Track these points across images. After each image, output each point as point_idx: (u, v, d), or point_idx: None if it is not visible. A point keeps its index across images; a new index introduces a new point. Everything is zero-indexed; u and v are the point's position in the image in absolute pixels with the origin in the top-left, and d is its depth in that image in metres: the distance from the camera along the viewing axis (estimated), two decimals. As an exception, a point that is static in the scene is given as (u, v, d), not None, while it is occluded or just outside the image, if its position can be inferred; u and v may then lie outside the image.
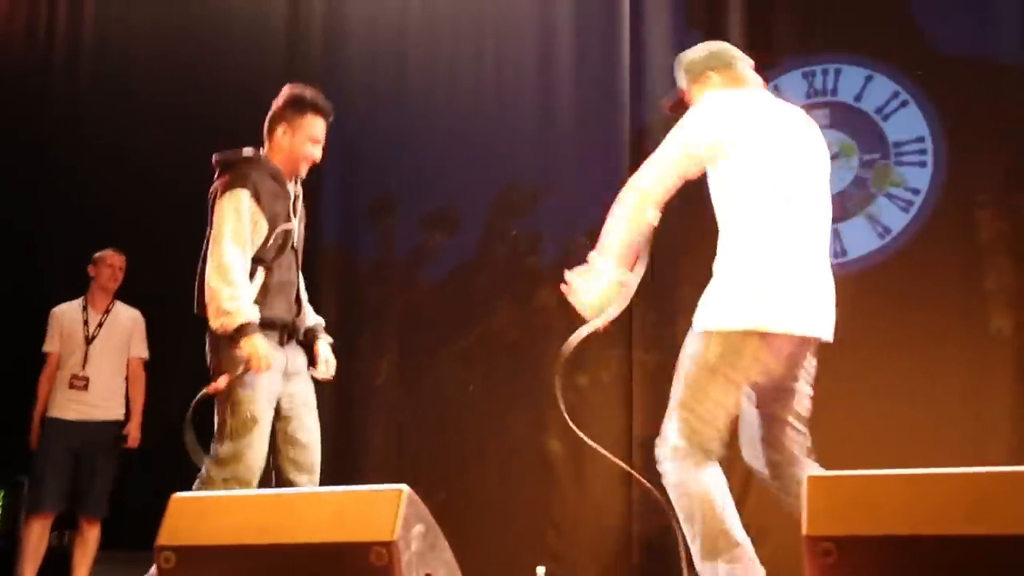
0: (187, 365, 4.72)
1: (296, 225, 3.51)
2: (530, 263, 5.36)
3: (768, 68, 5.08)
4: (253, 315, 3.33)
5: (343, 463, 5.33)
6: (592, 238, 5.28)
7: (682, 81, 3.22)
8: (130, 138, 5.91)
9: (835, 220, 4.82)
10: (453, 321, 5.41)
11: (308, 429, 3.51)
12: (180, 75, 5.87)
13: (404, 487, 2.37)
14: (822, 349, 3.40)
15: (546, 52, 5.48)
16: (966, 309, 4.64)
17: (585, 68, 5.40)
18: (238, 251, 3.34)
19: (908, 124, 4.89)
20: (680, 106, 3.22)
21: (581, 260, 5.16)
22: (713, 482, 2.88)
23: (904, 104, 4.91)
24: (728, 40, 5.07)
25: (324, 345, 3.63)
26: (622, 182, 5.08)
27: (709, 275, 4.90)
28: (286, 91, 3.59)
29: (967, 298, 4.65)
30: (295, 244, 3.51)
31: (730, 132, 2.93)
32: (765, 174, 2.91)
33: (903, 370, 4.65)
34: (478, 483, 5.21)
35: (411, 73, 5.72)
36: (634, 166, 5.13)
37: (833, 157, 4.80)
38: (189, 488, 3.27)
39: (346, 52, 5.82)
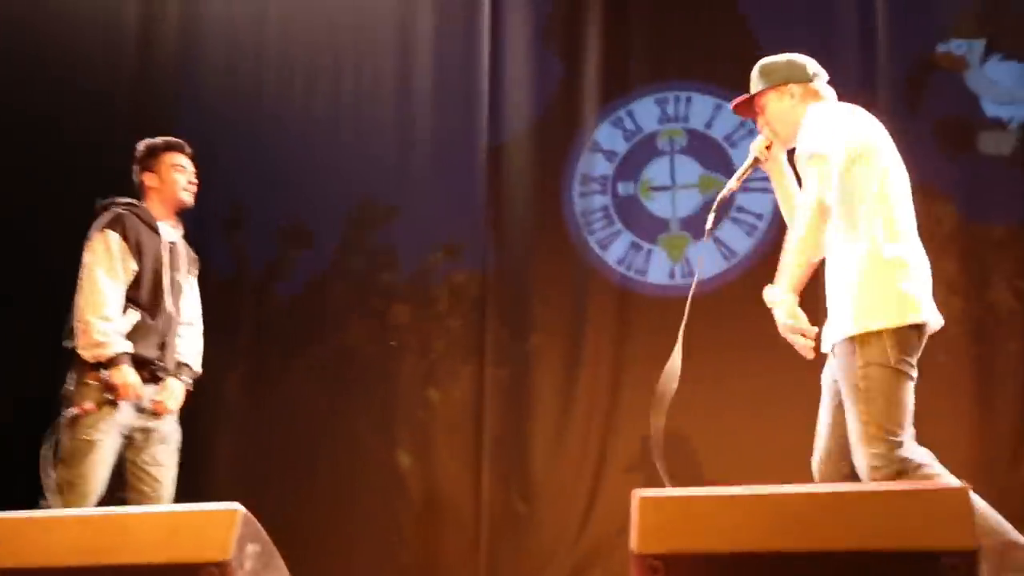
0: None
1: (168, 266, 3.73)
2: (385, 279, 5.31)
3: (622, 94, 5.20)
4: (125, 346, 3.55)
5: (189, 477, 5.19)
6: (448, 253, 5.36)
7: (757, 86, 3.17)
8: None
9: (683, 245, 5.05)
10: (306, 335, 5.32)
11: (160, 464, 3.68)
12: (26, 75, 5.62)
13: (238, 507, 2.34)
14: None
15: (405, 69, 5.45)
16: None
17: (444, 86, 5.39)
18: (111, 286, 3.58)
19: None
20: (747, 109, 3.22)
21: (436, 277, 5.23)
22: None
23: (751, 132, 5.05)
24: (584, 64, 5.24)
25: (177, 383, 3.78)
26: (478, 199, 5.21)
27: (559, 292, 5.02)
28: (138, 147, 3.89)
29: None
30: (169, 285, 3.71)
31: (866, 138, 2.97)
32: (894, 178, 2.97)
33: (747, 390, 4.76)
34: (329, 497, 5.13)
35: (267, 84, 5.61)
36: (491, 185, 5.25)
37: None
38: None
39: (201, 59, 5.68)
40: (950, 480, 2.76)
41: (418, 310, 5.24)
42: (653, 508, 2.05)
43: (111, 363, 3.50)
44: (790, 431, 4.66)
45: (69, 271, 3.77)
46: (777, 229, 4.91)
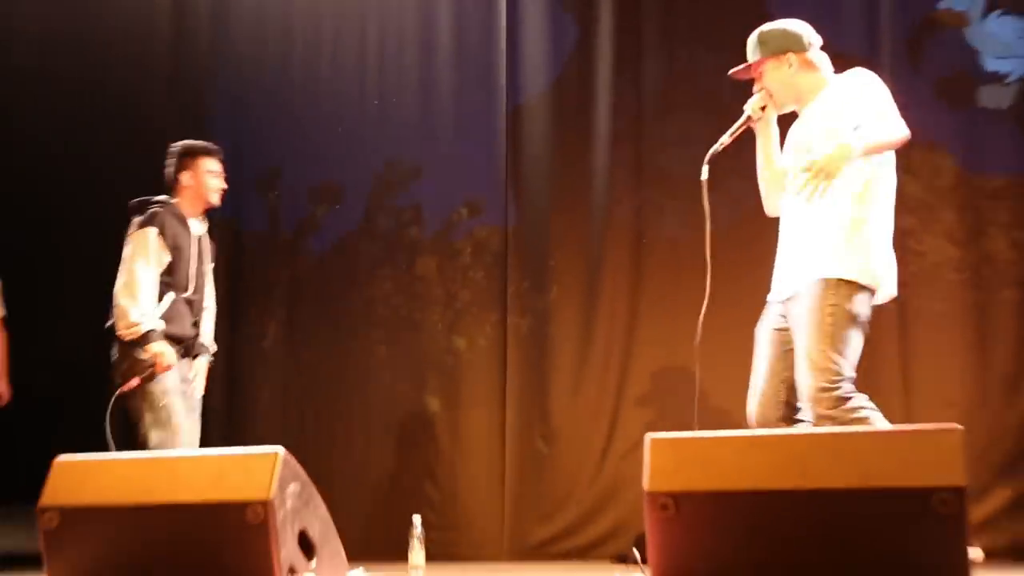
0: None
1: (196, 257, 4.08)
2: (411, 234, 5.35)
3: (637, 55, 5.17)
4: (157, 324, 3.91)
5: (233, 421, 5.30)
6: (471, 210, 5.39)
7: (755, 55, 3.25)
8: (10, 107, 5.67)
9: (699, 195, 5.00)
10: (338, 289, 5.38)
11: (187, 431, 3.97)
12: (66, 48, 5.65)
13: (279, 449, 2.41)
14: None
15: (426, 34, 5.43)
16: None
17: (464, 49, 5.37)
18: (145, 275, 3.92)
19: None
20: (746, 74, 3.29)
21: (459, 232, 5.26)
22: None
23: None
24: (599, 26, 5.22)
25: (203, 361, 4.20)
26: (499, 158, 5.22)
27: (577, 246, 5.04)
28: (176, 147, 4.18)
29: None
30: (195, 274, 4.07)
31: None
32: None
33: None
34: (362, 439, 5.22)
35: (296, 48, 5.60)
36: (510, 144, 5.25)
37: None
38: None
39: (232, 26, 5.67)
40: (882, 421, 2.95)
41: (443, 263, 5.27)
42: (664, 449, 2.10)
43: (144, 340, 3.86)
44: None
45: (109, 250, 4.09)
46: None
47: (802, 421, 3.12)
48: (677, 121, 5.04)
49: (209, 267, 4.21)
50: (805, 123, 3.26)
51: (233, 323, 5.30)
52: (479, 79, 5.31)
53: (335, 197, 5.44)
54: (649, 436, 2.14)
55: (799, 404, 3.10)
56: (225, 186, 4.20)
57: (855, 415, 2.93)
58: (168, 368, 3.88)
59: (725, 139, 3.23)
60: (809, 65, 3.22)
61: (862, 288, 3.04)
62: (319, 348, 5.32)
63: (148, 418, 3.86)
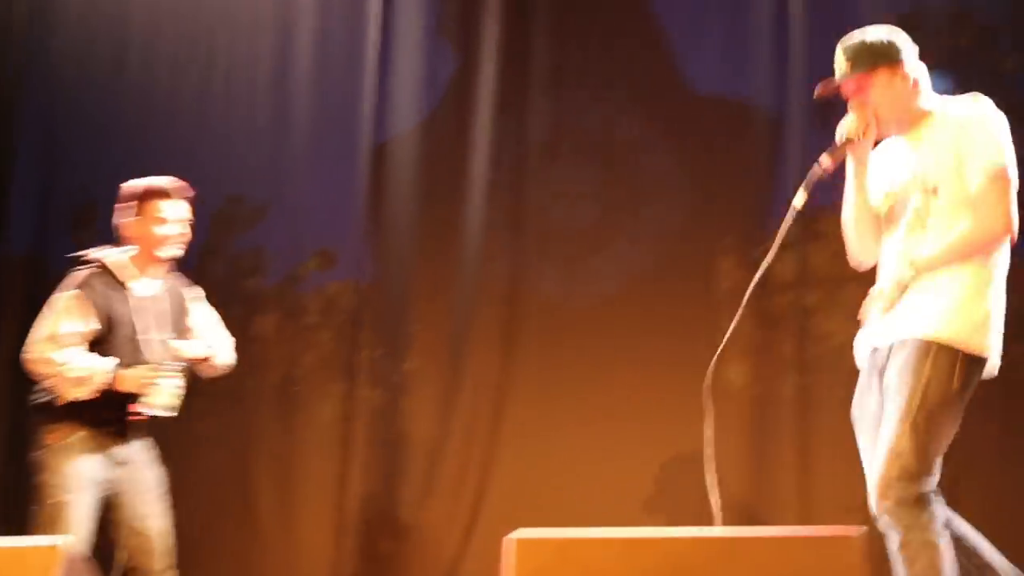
0: None
1: (135, 324, 3.76)
2: (250, 285, 5.23)
3: (520, 93, 5.20)
4: (106, 363, 3.62)
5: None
6: (322, 261, 5.29)
7: (862, 66, 3.07)
8: None
9: (578, 257, 5.05)
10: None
11: (145, 516, 3.75)
12: None
13: (62, 541, 2.40)
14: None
15: (283, 56, 5.40)
16: (702, 357, 4.83)
17: (325, 73, 5.34)
18: (68, 327, 3.65)
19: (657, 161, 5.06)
20: (835, 90, 3.13)
21: (307, 285, 5.15)
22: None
23: (653, 142, 5.08)
24: (480, 59, 5.23)
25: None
26: (358, 202, 5.15)
27: (442, 309, 4.99)
28: (122, 188, 3.92)
29: (703, 346, 4.84)
30: (138, 339, 3.75)
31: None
32: None
33: (636, 417, 4.79)
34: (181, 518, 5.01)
35: (129, 64, 5.53)
36: (373, 186, 5.19)
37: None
38: None
39: (55, 35, 5.55)
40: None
41: (285, 321, 5.18)
42: (529, 550, 2.10)
43: (107, 383, 3.58)
44: (678, 460, 4.76)
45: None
46: (687, 242, 4.94)
47: None
48: (562, 171, 5.07)
49: (169, 332, 3.86)
50: (909, 154, 3.11)
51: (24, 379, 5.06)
52: (340, 108, 5.29)
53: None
54: (513, 535, 2.13)
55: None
56: (187, 232, 3.91)
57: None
58: (154, 384, 3.64)
59: (826, 162, 3.07)
60: (919, 84, 3.10)
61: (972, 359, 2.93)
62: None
63: (38, 518, 3.61)
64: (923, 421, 2.82)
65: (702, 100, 5.04)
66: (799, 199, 3.05)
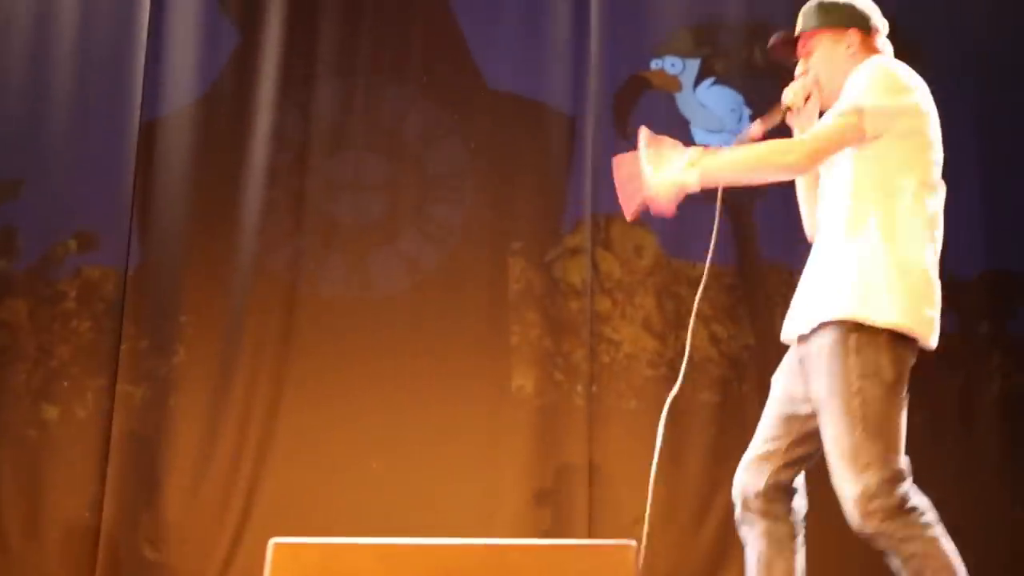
0: None
1: None
2: (-1, 267, 5.07)
3: (305, 75, 5.22)
4: None
5: None
6: (81, 243, 5.15)
7: (811, 23, 3.06)
8: None
9: (362, 252, 5.12)
10: None
11: None
12: None
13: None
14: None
15: (42, 17, 5.22)
16: (487, 361, 5.00)
17: (90, 42, 5.20)
18: None
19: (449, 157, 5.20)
20: (788, 51, 3.09)
21: (64, 270, 5.02)
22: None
23: (446, 134, 5.21)
24: (263, 41, 5.21)
25: None
26: (124, 182, 5.05)
27: (214, 300, 4.95)
28: None
29: (489, 348, 5.01)
30: None
31: (916, 107, 2.88)
32: (929, 164, 2.90)
33: (421, 423, 4.90)
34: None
35: None
36: (141, 166, 5.10)
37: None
38: None
39: None
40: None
41: (37, 308, 5.02)
42: (288, 556, 2.11)
43: None
44: (462, 468, 4.90)
45: None
46: (477, 241, 5.09)
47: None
48: (349, 161, 5.12)
49: None
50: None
51: None
52: (108, 80, 5.17)
53: None
54: (273, 540, 2.13)
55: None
56: None
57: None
58: None
59: (755, 129, 3.05)
60: (871, 51, 3.04)
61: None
62: None
63: None
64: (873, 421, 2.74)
65: (498, 97, 5.20)
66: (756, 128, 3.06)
